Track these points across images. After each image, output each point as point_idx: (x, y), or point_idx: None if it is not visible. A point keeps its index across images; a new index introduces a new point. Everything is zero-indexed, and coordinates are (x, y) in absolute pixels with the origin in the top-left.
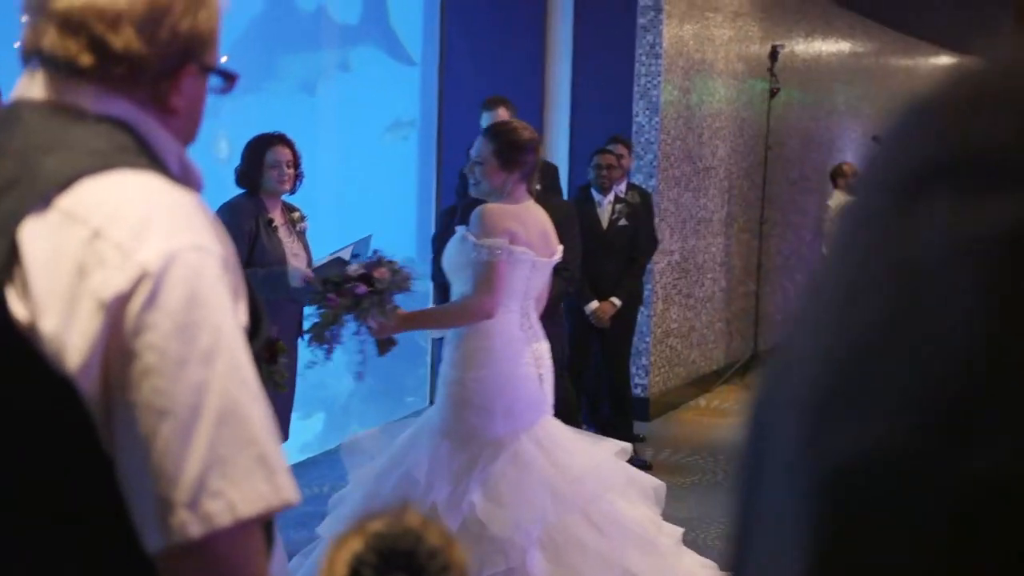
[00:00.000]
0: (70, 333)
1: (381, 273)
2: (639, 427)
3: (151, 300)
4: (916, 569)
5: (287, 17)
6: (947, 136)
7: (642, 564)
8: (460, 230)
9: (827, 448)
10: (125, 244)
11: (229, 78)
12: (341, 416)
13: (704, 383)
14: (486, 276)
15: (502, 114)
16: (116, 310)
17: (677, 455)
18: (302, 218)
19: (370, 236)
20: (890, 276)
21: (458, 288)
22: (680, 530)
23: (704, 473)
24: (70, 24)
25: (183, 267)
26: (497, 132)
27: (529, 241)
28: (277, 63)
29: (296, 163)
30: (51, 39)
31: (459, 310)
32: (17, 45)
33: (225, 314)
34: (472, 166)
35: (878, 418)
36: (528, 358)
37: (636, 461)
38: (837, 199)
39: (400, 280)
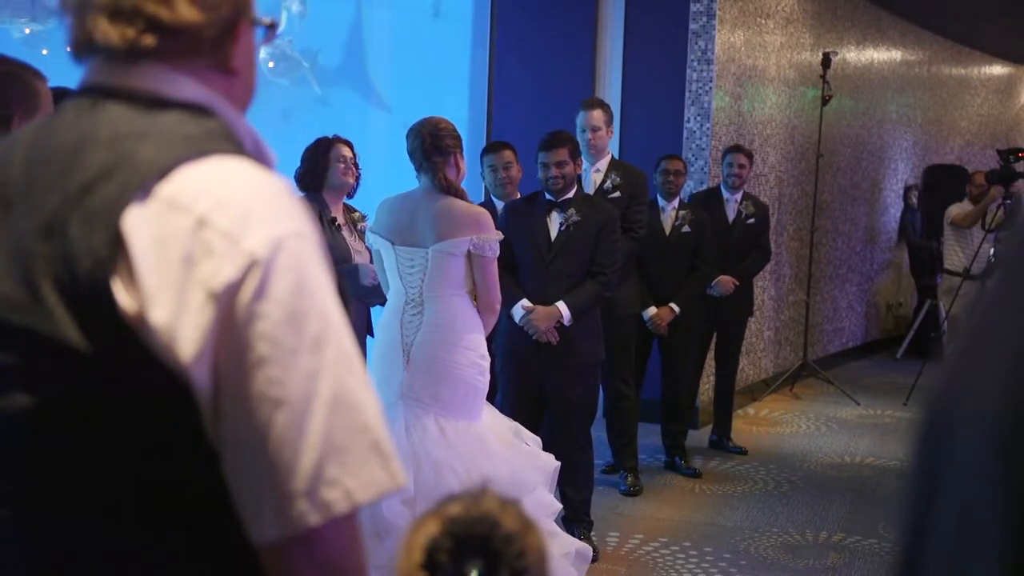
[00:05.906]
0: (182, 324)
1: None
2: (693, 436)
3: (261, 289)
4: None
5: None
6: None
7: None
8: None
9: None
10: (232, 232)
11: (271, 27)
12: None
13: (753, 392)
14: None
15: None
16: (227, 300)
17: (726, 464)
18: (362, 218)
19: None
20: None
21: None
22: (554, 517)
23: (754, 482)
24: (121, 10)
25: (289, 254)
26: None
27: None
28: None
29: (356, 162)
30: (104, 30)
31: None
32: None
33: (329, 300)
34: None
35: None
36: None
37: (686, 470)
38: (963, 207)
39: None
